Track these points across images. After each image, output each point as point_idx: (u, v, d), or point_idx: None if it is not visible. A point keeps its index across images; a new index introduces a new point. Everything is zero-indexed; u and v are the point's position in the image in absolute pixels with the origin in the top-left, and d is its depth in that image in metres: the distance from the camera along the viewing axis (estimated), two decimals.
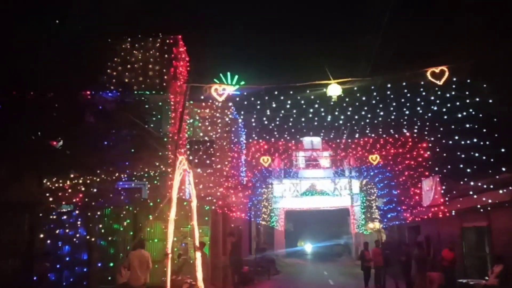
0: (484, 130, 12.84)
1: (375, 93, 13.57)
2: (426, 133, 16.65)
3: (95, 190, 12.88)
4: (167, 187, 16.17)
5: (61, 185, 12.50)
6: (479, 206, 13.88)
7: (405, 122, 16.70)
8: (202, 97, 18.85)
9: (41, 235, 12.42)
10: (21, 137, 10.96)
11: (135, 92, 19.21)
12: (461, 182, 15.94)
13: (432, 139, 16.22)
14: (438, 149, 15.80)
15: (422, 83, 11.30)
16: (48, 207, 12.81)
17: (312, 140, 45.99)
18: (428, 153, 17.23)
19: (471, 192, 14.09)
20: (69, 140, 13.25)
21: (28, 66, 12.28)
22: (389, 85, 12.95)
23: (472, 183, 14.22)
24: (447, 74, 9.90)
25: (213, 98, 12.62)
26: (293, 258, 42.47)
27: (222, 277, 17.29)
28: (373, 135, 19.49)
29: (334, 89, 10.70)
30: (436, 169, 16.42)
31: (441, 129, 14.85)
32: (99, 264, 14.80)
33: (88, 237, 13.48)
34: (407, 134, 18.36)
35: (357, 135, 19.99)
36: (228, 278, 18.98)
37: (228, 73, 23.23)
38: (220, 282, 17.36)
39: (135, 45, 20.39)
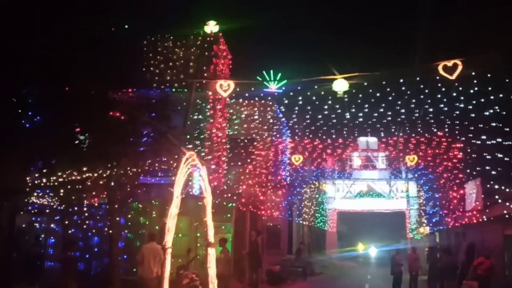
0: (507, 129, 11.75)
1: (386, 89, 12.81)
2: (457, 132, 15.57)
3: (112, 183, 13.29)
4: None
5: (77, 177, 12.99)
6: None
7: (431, 121, 15.69)
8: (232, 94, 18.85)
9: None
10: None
11: (174, 90, 19.70)
12: (503, 187, 14.80)
13: (464, 138, 15.14)
14: (469, 150, 14.71)
15: (438, 78, 10.50)
16: (70, 199, 13.47)
17: (368, 140, 44.76)
18: (461, 153, 16.12)
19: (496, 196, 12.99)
20: (92, 133, 13.86)
21: (64, 62, 13.06)
22: (400, 81, 12.16)
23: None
24: (460, 68, 9.19)
25: (219, 94, 12.56)
26: (346, 261, 41.43)
27: (248, 274, 17.18)
28: (401, 134, 18.51)
29: (340, 85, 10.29)
30: (468, 171, 15.30)
31: (472, 128, 13.80)
32: (125, 256, 15.29)
33: (106, 229, 13.96)
34: (439, 133, 17.28)
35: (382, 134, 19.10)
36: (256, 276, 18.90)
37: (271, 71, 23.17)
38: (246, 280, 17.30)
39: (177, 43, 20.89)
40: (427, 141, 18.21)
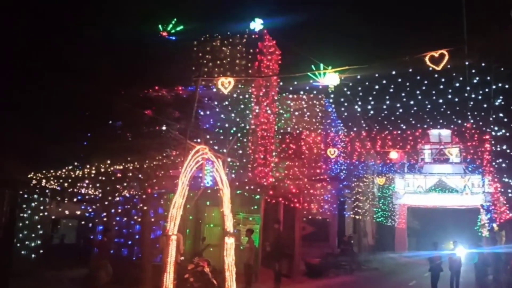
0: (506, 120, 10.96)
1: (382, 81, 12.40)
2: (481, 123, 14.63)
3: (140, 175, 14.41)
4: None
5: (108, 170, 14.25)
6: None
7: (448, 112, 14.82)
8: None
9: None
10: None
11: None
12: None
13: (489, 130, 14.19)
14: (493, 141, 13.82)
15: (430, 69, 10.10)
16: (106, 189, 14.82)
17: (440, 132, 42.74)
18: (487, 145, 15.13)
19: None
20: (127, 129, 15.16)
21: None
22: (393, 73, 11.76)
23: None
24: (446, 58, 8.89)
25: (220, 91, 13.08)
26: (415, 259, 39.88)
27: (272, 265, 17.54)
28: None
29: (331, 79, 10.39)
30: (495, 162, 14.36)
31: (491, 118, 12.95)
32: None
33: (138, 218, 15.13)
34: (467, 125, 16.27)
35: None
36: (295, 267, 19.26)
37: (321, 64, 23.59)
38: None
39: (224, 42, 21.74)
40: (456, 133, 17.26)
